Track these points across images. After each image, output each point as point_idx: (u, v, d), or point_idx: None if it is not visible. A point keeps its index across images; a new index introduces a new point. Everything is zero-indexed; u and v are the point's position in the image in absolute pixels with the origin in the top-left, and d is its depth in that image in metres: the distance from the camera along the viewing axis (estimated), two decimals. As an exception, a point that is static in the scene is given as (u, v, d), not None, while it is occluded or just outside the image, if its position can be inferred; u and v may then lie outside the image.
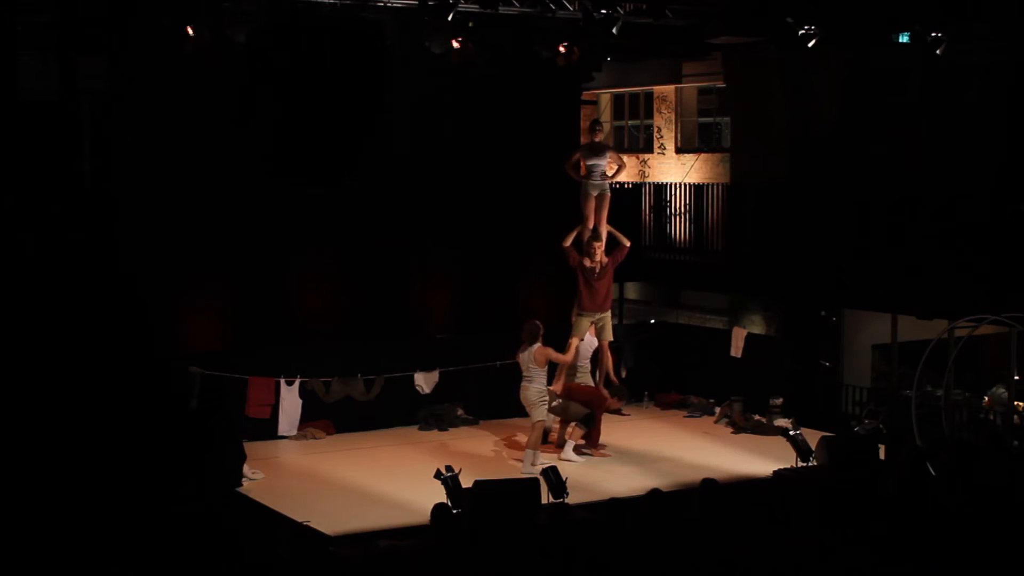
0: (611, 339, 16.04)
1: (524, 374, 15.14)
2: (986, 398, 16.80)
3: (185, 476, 13.09)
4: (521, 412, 16.60)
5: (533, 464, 14.64)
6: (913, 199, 16.92)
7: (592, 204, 15.89)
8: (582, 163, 16.01)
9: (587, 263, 15.67)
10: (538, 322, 15.21)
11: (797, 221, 17.78)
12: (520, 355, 15.12)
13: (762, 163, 19.21)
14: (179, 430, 14.28)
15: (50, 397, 14.00)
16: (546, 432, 15.51)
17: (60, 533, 11.70)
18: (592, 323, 15.82)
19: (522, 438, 16.38)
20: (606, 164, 16.00)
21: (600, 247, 15.73)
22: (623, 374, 18.11)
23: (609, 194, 16.04)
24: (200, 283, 16.28)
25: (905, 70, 18.10)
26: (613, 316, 20.63)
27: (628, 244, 15.98)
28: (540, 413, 15.04)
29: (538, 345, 15.00)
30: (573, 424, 15.42)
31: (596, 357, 16.17)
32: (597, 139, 16.09)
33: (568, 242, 15.73)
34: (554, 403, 15.34)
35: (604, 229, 15.92)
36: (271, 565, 11.47)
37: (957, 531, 10.73)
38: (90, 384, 14.26)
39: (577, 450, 15.36)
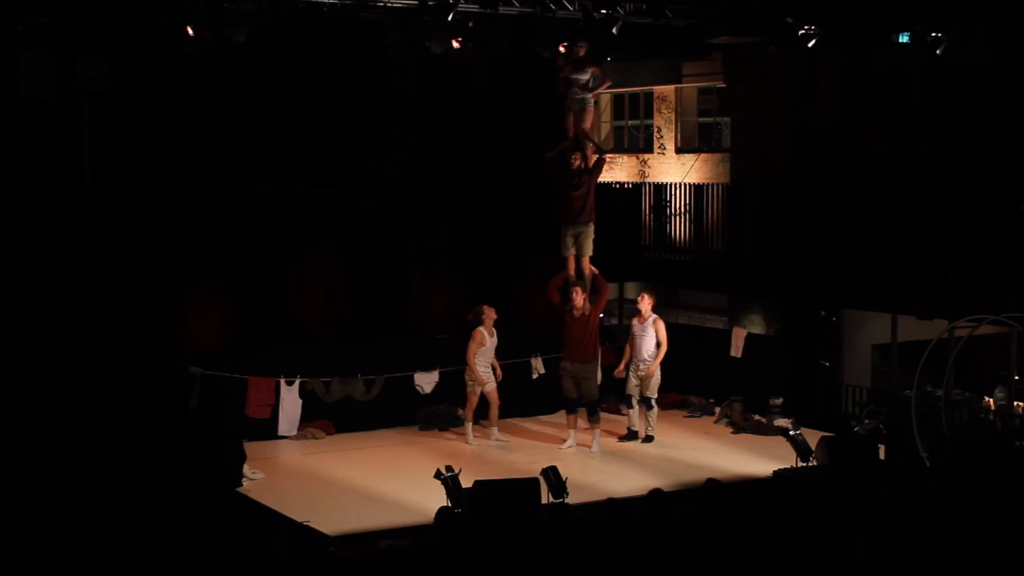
0: (588, 253, 16.00)
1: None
2: (991, 400, 16.78)
3: (185, 476, 13.09)
4: (521, 412, 16.71)
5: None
6: (913, 199, 16.92)
7: (571, 118, 15.81)
8: (568, 76, 15.83)
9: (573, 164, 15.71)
10: (485, 306, 15.87)
11: (797, 221, 17.77)
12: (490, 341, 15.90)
13: (762, 163, 19.20)
14: (179, 430, 14.28)
15: (50, 397, 14.02)
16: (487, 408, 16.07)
17: (60, 532, 11.70)
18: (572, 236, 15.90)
19: (522, 438, 16.43)
20: (587, 78, 15.80)
21: (578, 156, 15.76)
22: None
23: (590, 107, 15.95)
24: (200, 283, 16.27)
25: (905, 70, 18.09)
26: (613, 316, 20.67)
27: (604, 156, 16.25)
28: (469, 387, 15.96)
29: (475, 329, 15.81)
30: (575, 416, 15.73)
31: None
32: (581, 53, 15.76)
33: (552, 153, 15.75)
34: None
35: (587, 140, 15.95)
36: (271, 565, 11.48)
37: (956, 530, 10.73)
38: (90, 384, 14.27)
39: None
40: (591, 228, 15.88)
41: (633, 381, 16.27)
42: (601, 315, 16.77)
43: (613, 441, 16.24)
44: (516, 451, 15.77)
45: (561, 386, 16.04)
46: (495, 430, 16.11)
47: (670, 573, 10.02)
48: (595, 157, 15.95)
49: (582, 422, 16.06)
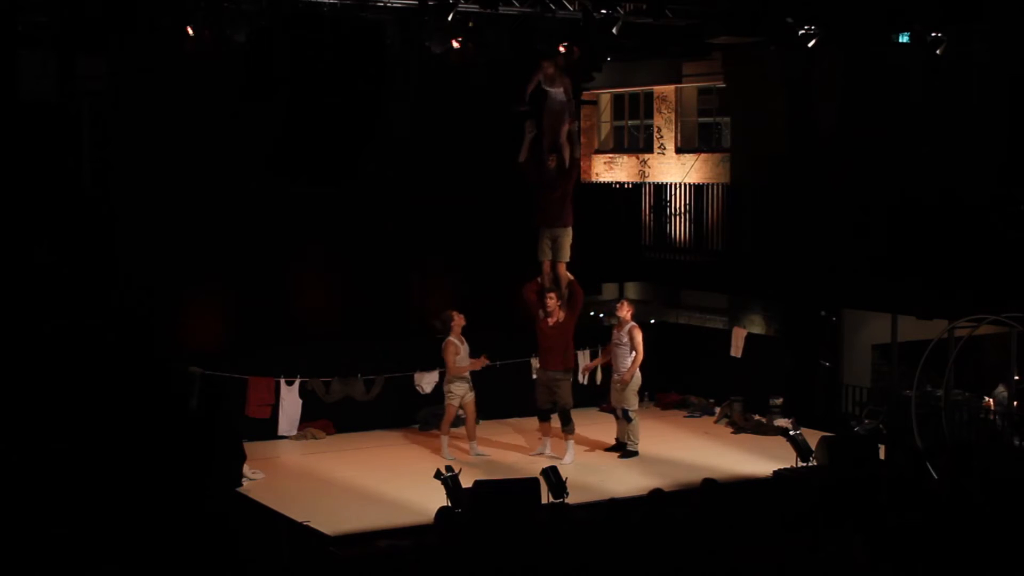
0: (565, 259, 15.52)
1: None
2: (991, 400, 16.79)
3: (185, 476, 13.09)
4: (521, 412, 16.62)
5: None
6: (913, 199, 16.92)
7: (549, 119, 15.38)
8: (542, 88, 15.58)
9: (547, 167, 15.31)
10: (453, 312, 15.41)
11: (797, 221, 17.77)
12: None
13: (762, 163, 19.21)
14: (179, 430, 14.29)
15: (51, 397, 14.02)
16: (459, 418, 15.70)
17: (61, 533, 11.70)
18: (548, 241, 15.44)
19: (522, 439, 16.42)
20: (560, 90, 15.42)
21: (553, 158, 15.33)
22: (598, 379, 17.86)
23: (567, 113, 15.55)
24: (200, 283, 16.29)
25: (905, 70, 18.09)
26: (612, 317, 20.59)
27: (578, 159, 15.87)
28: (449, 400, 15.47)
29: (448, 338, 15.37)
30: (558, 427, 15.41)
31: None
32: (550, 72, 15.37)
33: (523, 156, 15.40)
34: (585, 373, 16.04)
35: (564, 143, 15.51)
36: (271, 565, 11.48)
37: (956, 530, 10.73)
38: (91, 384, 14.27)
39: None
40: (569, 233, 15.42)
41: (615, 393, 15.86)
42: (602, 315, 16.71)
43: (595, 452, 15.89)
44: (509, 455, 15.71)
45: (535, 395, 15.60)
46: (475, 444, 15.60)
47: (670, 573, 10.01)
48: (569, 160, 15.44)
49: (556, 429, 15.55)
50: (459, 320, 15.48)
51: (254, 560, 11.68)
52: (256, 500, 13.50)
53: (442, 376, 16.83)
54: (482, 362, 15.59)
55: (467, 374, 15.54)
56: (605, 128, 25.82)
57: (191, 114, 15.95)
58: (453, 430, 16.62)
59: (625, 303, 16.17)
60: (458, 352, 15.43)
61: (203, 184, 16.08)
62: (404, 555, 11.44)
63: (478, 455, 15.45)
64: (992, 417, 16.24)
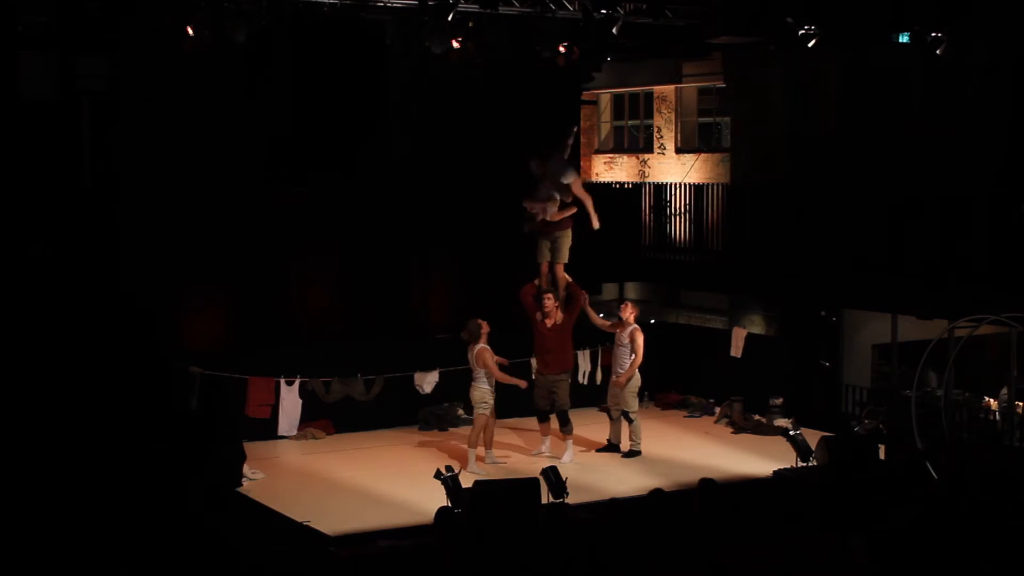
0: (564, 261, 15.55)
1: (473, 374, 14.90)
2: (992, 400, 16.78)
3: (185, 476, 13.10)
4: (521, 411, 16.60)
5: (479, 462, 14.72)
6: (913, 199, 16.93)
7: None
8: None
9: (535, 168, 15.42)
10: (480, 320, 14.88)
11: (797, 221, 17.78)
12: (468, 356, 14.87)
13: (762, 163, 19.21)
14: (179, 430, 14.30)
15: (51, 397, 14.03)
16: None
17: (60, 533, 11.71)
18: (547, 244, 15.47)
19: (522, 439, 16.41)
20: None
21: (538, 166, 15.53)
22: (598, 379, 17.84)
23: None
24: (200, 283, 16.30)
25: (905, 70, 18.11)
26: (614, 317, 20.60)
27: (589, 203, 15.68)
28: (481, 411, 14.83)
29: (481, 345, 14.76)
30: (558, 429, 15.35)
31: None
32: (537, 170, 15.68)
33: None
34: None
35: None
36: (270, 565, 11.48)
37: (956, 530, 10.73)
38: (91, 384, 14.28)
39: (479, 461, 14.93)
40: (568, 235, 15.46)
41: (612, 394, 15.75)
42: (601, 315, 16.68)
43: (591, 453, 15.76)
44: (508, 455, 15.71)
45: (533, 396, 15.46)
46: (492, 452, 15.15)
47: (670, 573, 10.02)
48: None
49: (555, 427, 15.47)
50: (486, 328, 14.95)
51: (254, 560, 11.68)
52: (256, 500, 13.50)
53: (442, 376, 16.89)
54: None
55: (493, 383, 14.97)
56: (605, 128, 25.81)
57: (191, 114, 15.95)
58: (454, 431, 16.69)
59: (629, 305, 16.11)
60: (494, 358, 14.91)
61: (203, 184, 16.08)
62: (404, 555, 11.45)
63: (495, 462, 15.05)
64: (992, 417, 16.25)
